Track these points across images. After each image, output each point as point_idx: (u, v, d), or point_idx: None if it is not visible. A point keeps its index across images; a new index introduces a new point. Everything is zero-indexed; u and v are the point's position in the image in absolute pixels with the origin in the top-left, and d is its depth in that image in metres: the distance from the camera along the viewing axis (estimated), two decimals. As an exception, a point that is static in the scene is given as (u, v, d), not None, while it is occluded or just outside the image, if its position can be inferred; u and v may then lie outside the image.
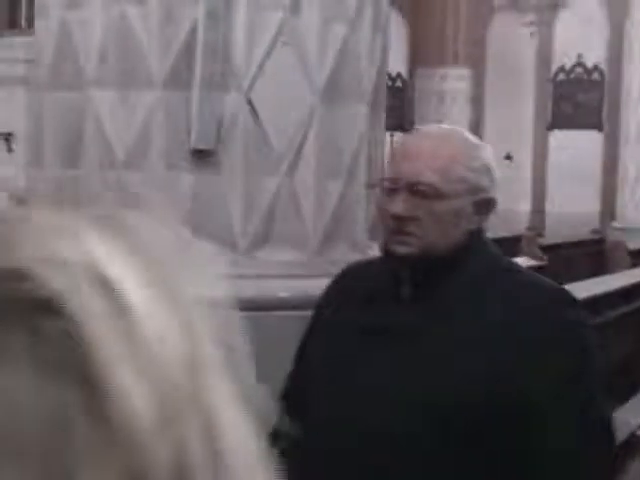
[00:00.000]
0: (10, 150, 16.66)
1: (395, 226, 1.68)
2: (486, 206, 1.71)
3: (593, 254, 10.92)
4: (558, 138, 16.87)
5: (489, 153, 1.73)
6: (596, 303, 5.11)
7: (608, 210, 16.07)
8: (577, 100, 16.77)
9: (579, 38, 16.39)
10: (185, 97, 3.30)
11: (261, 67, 3.32)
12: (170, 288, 0.42)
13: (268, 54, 3.33)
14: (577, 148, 16.46)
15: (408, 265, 1.68)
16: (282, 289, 3.41)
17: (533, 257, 7.57)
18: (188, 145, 3.32)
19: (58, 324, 0.38)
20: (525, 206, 16.85)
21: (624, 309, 6.00)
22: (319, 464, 1.67)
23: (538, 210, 16.86)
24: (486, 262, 1.71)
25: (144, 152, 3.37)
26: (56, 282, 0.39)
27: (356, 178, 3.59)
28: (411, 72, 16.62)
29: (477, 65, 16.66)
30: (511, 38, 16.41)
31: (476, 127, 15.92)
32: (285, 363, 3.36)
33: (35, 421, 0.37)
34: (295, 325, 3.37)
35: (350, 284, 1.84)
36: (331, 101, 3.44)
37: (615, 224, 12.62)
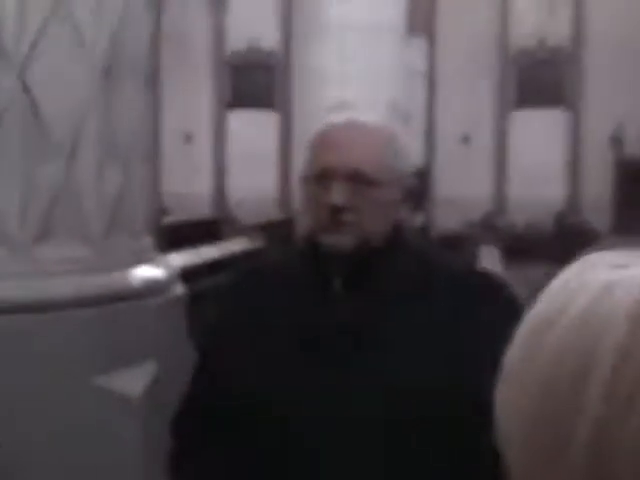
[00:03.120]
0: None
1: (331, 217, 1.60)
2: (412, 194, 1.70)
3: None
4: (237, 119, 17.15)
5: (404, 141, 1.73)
6: (188, 273, 5.04)
7: (286, 189, 16.64)
8: (254, 81, 17.15)
9: (252, 22, 16.71)
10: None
11: (34, 47, 3.03)
12: None
13: (42, 32, 3.04)
14: (254, 128, 16.86)
15: (342, 258, 1.61)
16: (65, 286, 3.15)
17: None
18: (-46, 132, 2.96)
19: None
20: (206, 187, 16.99)
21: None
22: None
23: (220, 192, 17.06)
24: (415, 250, 1.69)
25: None
26: None
27: (135, 162, 3.40)
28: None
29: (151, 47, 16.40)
30: (187, 21, 16.39)
31: (156, 110, 15.78)
32: (73, 366, 3.12)
33: None
34: (82, 325, 3.15)
35: (264, 286, 1.72)
36: (109, 80, 3.22)
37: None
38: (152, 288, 3.38)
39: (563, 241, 12.14)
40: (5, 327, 2.99)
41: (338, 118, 1.77)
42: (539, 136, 16.17)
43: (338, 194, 1.58)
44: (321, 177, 1.62)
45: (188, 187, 15.55)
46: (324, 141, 1.67)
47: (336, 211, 1.58)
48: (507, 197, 16.16)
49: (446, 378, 1.53)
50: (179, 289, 3.61)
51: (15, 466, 2.69)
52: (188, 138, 16.66)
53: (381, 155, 1.62)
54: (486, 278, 1.69)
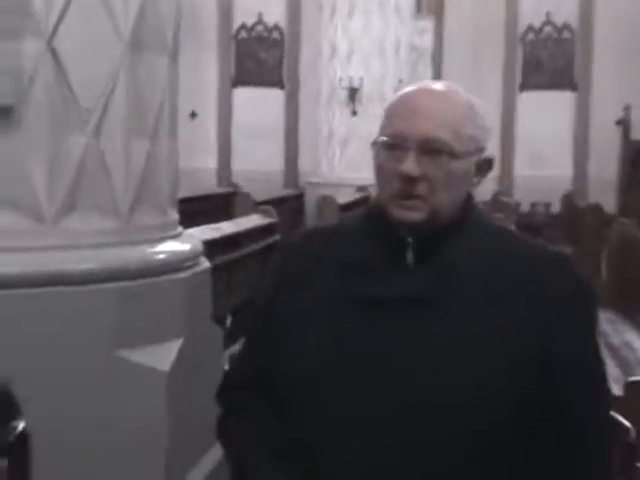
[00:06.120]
0: None
1: (402, 188, 1.54)
2: (486, 166, 1.64)
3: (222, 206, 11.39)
4: (242, 95, 17.05)
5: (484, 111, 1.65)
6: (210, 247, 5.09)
7: (292, 167, 16.58)
8: (259, 58, 17.04)
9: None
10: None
11: (63, 12, 2.97)
12: None
13: (71, 0, 2.98)
14: (261, 105, 16.76)
15: (413, 230, 1.55)
16: (92, 259, 3.10)
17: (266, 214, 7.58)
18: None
19: None
20: (212, 164, 16.92)
21: (235, 254, 6.42)
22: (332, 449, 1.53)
23: (225, 168, 17.00)
24: (483, 224, 1.64)
25: None
26: None
27: (160, 134, 3.34)
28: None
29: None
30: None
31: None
32: (100, 340, 3.08)
33: None
34: (108, 298, 3.10)
35: (325, 252, 1.65)
36: (137, 51, 3.16)
37: (314, 179, 13.00)
38: (178, 262, 3.34)
39: (572, 222, 12.08)
40: (33, 299, 2.95)
41: (413, 86, 1.63)
42: (547, 116, 16.09)
43: (411, 164, 1.51)
44: (394, 145, 1.54)
45: (194, 163, 15.47)
46: (399, 107, 1.58)
47: (408, 181, 1.51)
48: (514, 177, 16.10)
49: (520, 352, 1.48)
50: (204, 263, 3.57)
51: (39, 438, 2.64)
52: (194, 114, 16.57)
53: (458, 124, 1.54)
54: (564, 260, 1.63)
